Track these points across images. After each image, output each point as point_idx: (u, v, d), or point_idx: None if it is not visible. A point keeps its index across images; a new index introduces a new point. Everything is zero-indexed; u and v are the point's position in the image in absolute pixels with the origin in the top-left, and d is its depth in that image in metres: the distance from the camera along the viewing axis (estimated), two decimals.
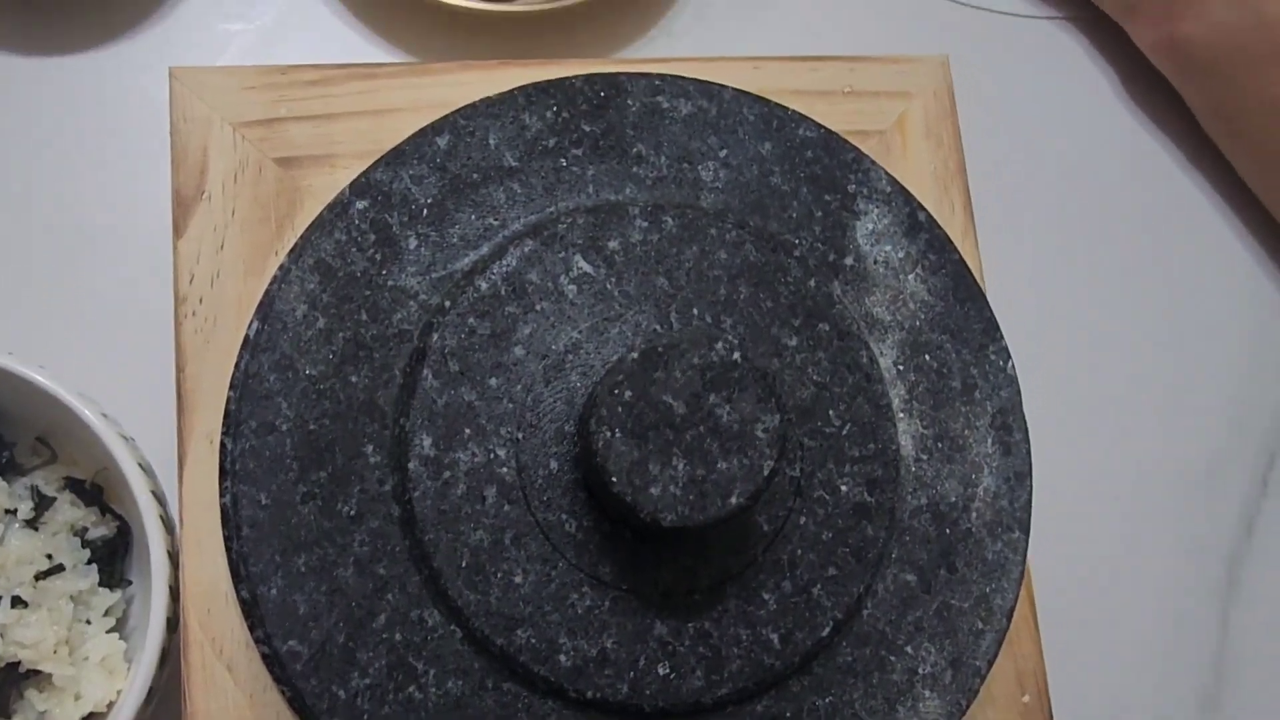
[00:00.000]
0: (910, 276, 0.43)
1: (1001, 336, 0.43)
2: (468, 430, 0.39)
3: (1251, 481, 0.59)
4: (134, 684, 0.45)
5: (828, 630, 0.40)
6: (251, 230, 0.48)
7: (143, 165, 0.55)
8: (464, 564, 0.38)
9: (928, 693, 0.41)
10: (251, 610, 0.39)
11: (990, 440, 0.42)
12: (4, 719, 0.48)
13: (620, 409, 0.35)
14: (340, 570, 0.39)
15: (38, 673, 0.48)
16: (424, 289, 0.41)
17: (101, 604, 0.50)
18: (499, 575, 0.38)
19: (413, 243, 0.42)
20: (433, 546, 0.38)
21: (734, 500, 0.35)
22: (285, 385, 0.41)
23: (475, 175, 0.42)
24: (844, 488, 0.40)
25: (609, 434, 0.35)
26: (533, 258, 0.41)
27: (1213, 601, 0.58)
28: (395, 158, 0.43)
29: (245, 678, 0.42)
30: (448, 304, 0.41)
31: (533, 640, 0.38)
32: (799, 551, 0.40)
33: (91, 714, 0.48)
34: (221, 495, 0.40)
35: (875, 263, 0.43)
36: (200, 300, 0.47)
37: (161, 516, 0.47)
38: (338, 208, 0.43)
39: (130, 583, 0.52)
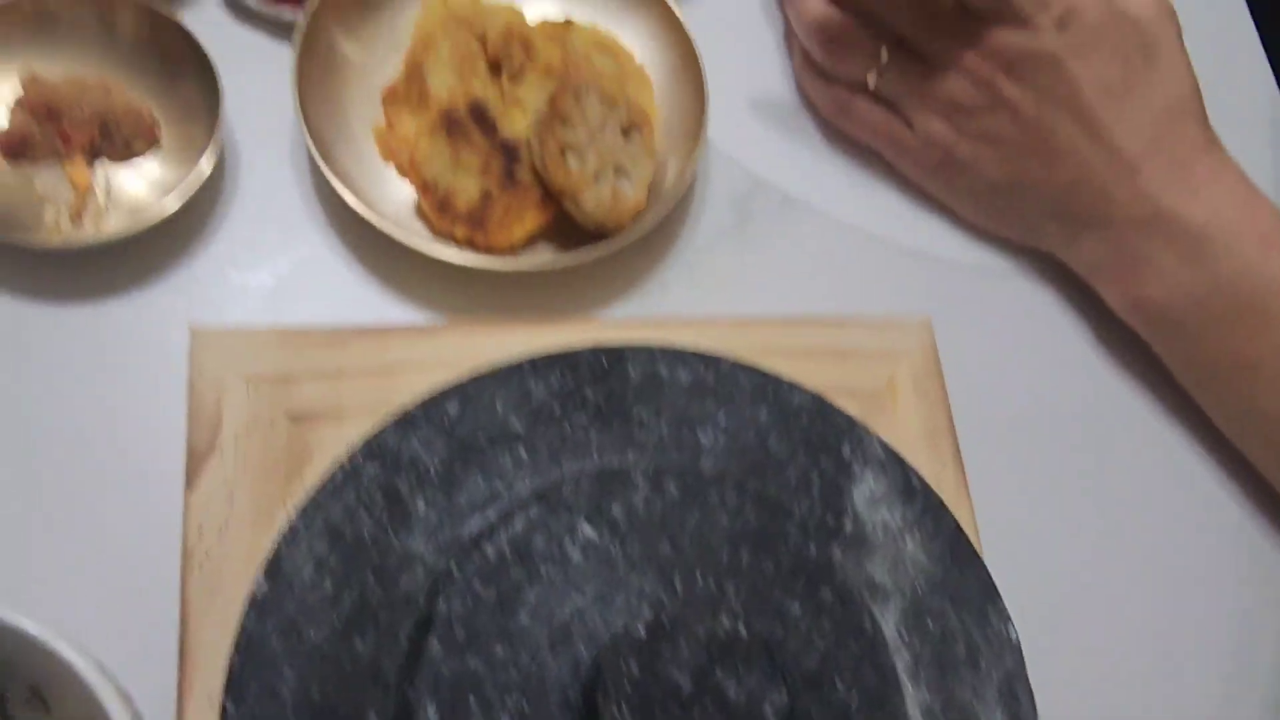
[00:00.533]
0: (909, 541, 0.44)
1: (1000, 600, 0.44)
2: (473, 699, 0.39)
3: None
4: None
5: None
6: (261, 483, 0.49)
7: (155, 414, 0.56)
8: None
9: None
10: None
11: (999, 710, 0.42)
12: None
13: (627, 684, 0.35)
14: None
15: None
16: (431, 553, 0.42)
17: None
18: None
19: (421, 506, 0.42)
20: None
21: None
22: (289, 649, 0.41)
23: (483, 440, 0.43)
24: None
25: (616, 711, 0.35)
26: (538, 523, 0.41)
27: None
28: (406, 422, 0.44)
29: None
30: (455, 569, 0.41)
31: None
32: None
33: None
34: None
35: (874, 527, 0.44)
36: (207, 554, 0.47)
37: None
38: (349, 470, 0.43)
39: None
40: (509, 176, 0.62)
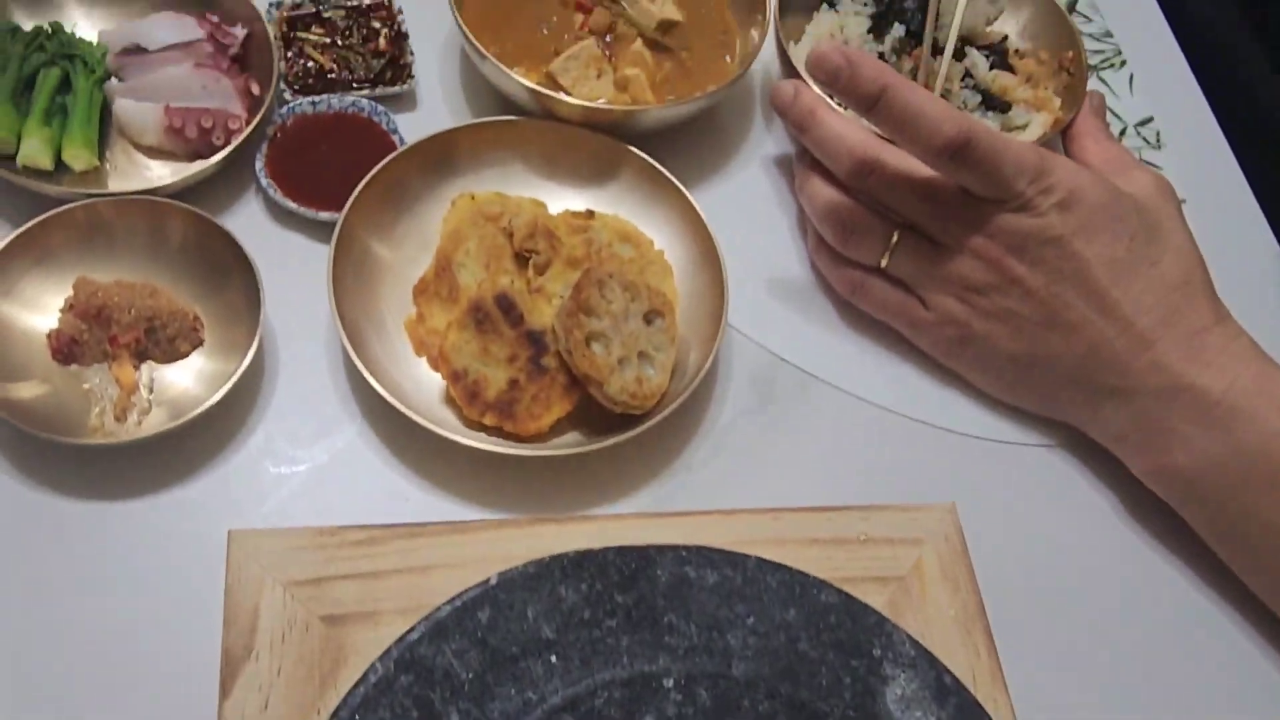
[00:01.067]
0: None
1: None
2: None
3: None
4: None
5: None
6: (296, 688, 0.48)
7: (191, 615, 0.55)
8: None
9: None
10: None
11: None
12: None
13: None
14: None
15: None
16: None
17: None
18: None
19: (454, 718, 0.42)
20: None
21: None
22: None
23: (515, 649, 0.43)
24: None
25: None
26: None
27: None
28: (438, 631, 0.44)
29: None
30: None
31: None
32: None
33: None
34: None
35: None
36: None
37: None
38: (383, 682, 0.43)
39: None
40: (536, 365, 0.63)
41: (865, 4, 0.78)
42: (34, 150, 0.66)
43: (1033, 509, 0.65)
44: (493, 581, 0.45)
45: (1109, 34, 0.87)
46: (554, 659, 0.43)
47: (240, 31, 0.72)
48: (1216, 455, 0.60)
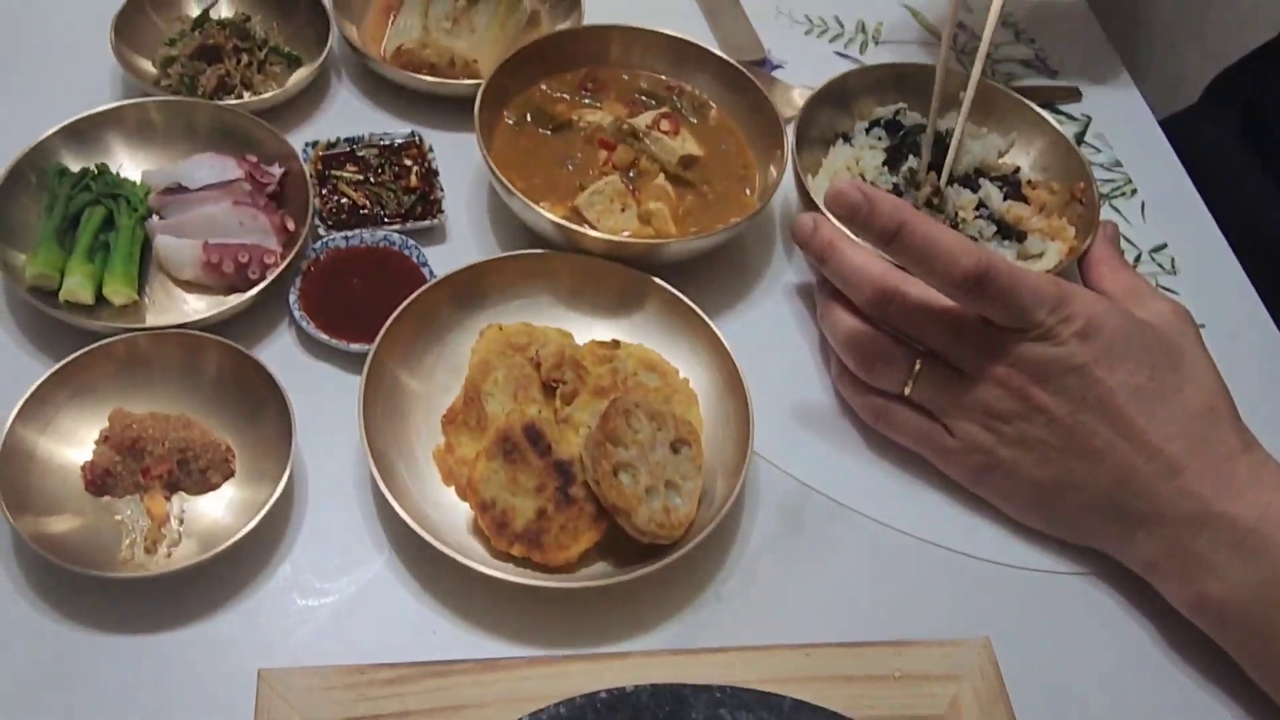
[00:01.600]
0: None
1: None
2: None
3: None
4: None
5: None
6: None
7: None
8: None
9: None
10: None
11: None
12: None
13: None
14: None
15: None
16: None
17: None
18: None
19: None
20: None
21: None
22: None
23: None
24: None
25: None
26: None
27: None
28: None
29: None
30: None
31: None
32: None
33: None
34: None
35: None
36: None
37: None
38: None
39: None
40: (564, 495, 0.62)
41: (880, 138, 0.79)
42: (76, 286, 0.66)
43: (1069, 639, 0.63)
44: None
45: (1118, 163, 0.88)
46: None
47: (277, 170, 0.74)
48: (1250, 584, 0.59)
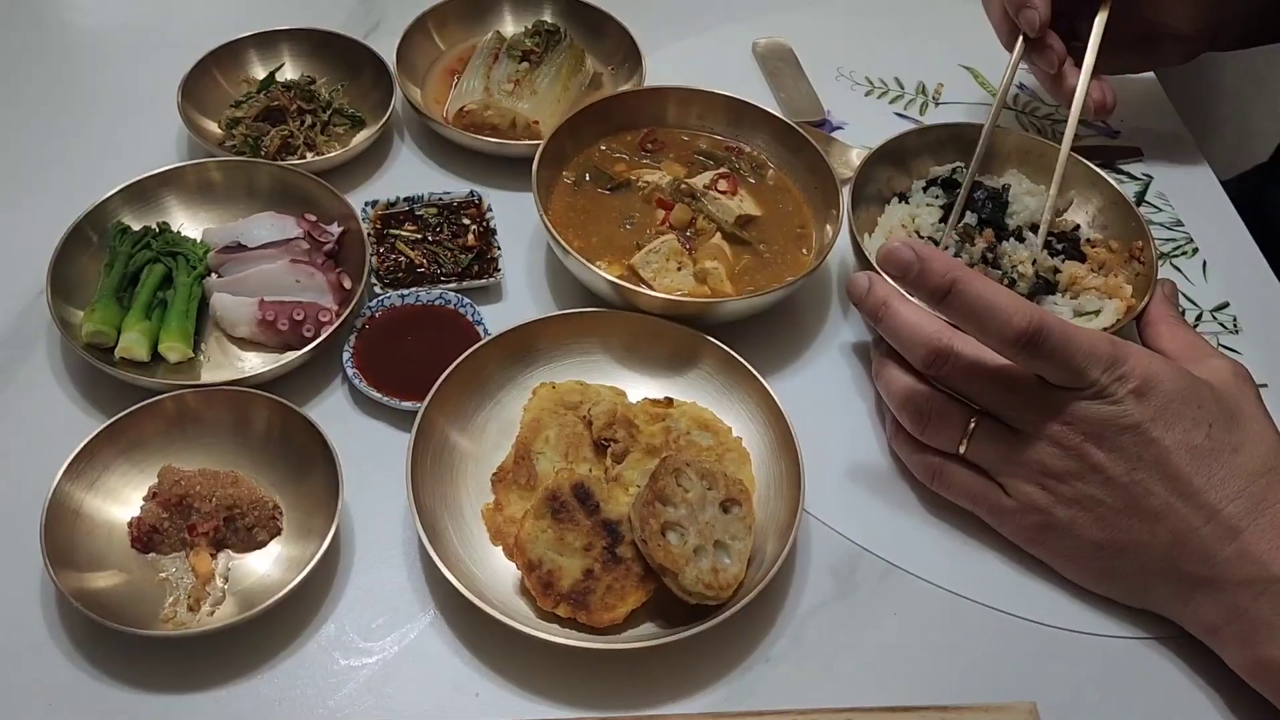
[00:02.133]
0: None
1: None
2: None
3: None
4: None
5: None
6: None
7: None
8: None
9: None
10: None
11: None
12: None
13: None
14: None
15: None
16: None
17: None
18: None
19: None
20: None
21: None
22: None
23: None
24: None
25: None
26: None
27: None
28: None
29: None
30: None
31: None
32: None
33: None
34: None
35: None
36: None
37: None
38: None
39: None
40: (611, 554, 0.60)
41: (936, 196, 0.77)
42: (132, 343, 0.66)
43: (1124, 706, 0.59)
44: None
45: (1180, 223, 0.85)
46: None
47: (336, 229, 0.74)
48: None
